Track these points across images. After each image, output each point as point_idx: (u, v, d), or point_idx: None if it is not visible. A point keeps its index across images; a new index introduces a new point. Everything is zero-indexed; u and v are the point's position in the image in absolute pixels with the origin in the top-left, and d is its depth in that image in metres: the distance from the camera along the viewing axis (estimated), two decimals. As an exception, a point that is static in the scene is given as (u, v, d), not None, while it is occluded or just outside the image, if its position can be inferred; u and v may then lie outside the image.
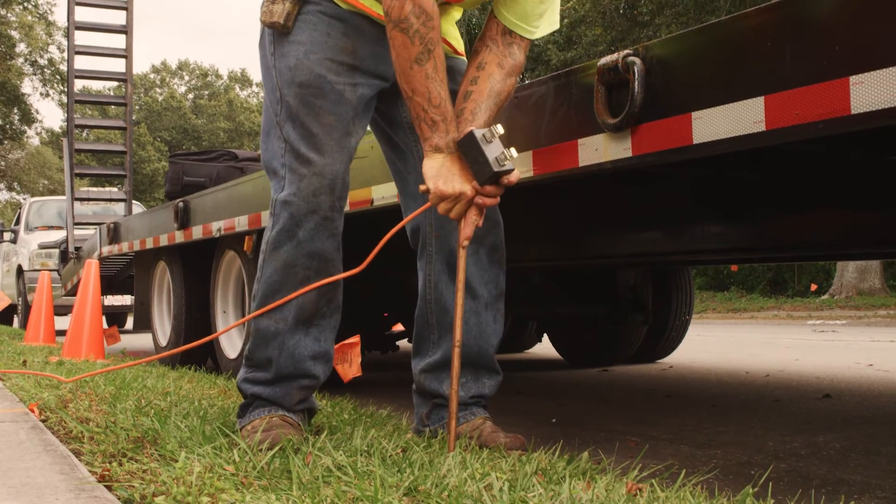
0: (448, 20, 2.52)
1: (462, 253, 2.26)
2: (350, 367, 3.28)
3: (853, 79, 1.68)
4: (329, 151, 2.27)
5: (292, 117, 2.30)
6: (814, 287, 18.79)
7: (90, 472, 2.09)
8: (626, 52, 2.16)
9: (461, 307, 2.25)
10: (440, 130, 2.19)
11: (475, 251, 2.42)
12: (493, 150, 2.15)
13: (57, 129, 50.38)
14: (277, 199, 2.32)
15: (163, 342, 6.33)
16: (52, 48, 36.92)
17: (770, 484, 1.95)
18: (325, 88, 2.27)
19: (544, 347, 7.38)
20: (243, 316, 5.12)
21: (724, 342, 8.86)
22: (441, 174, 2.19)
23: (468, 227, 2.23)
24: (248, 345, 2.44)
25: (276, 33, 2.35)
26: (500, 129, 2.17)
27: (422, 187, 2.24)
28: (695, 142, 1.99)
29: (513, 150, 2.19)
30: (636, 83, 2.11)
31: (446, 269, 2.46)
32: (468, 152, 2.17)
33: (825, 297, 18.20)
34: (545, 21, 2.37)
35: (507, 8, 2.33)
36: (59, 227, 13.22)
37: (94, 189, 13.30)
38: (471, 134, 2.16)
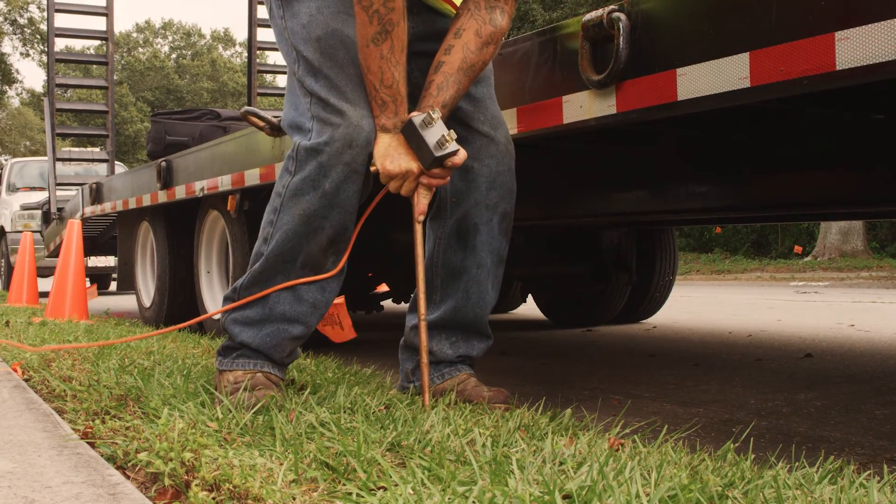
0: None
1: (418, 228, 2.29)
2: (343, 330, 3.27)
3: (839, 34, 1.67)
4: (360, 103, 2.22)
5: (314, 71, 2.24)
6: (798, 249, 18.88)
7: (73, 429, 2.09)
8: (612, 7, 2.15)
9: (422, 281, 2.29)
10: (389, 111, 2.20)
11: (489, 219, 2.42)
12: (433, 135, 2.17)
13: (38, 89, 49.90)
14: (302, 145, 2.24)
15: (146, 303, 6.32)
16: (32, 7, 36.50)
17: (751, 440, 1.96)
18: (344, 41, 2.22)
19: (529, 308, 7.40)
20: (227, 276, 5.11)
21: (708, 303, 8.91)
22: (388, 154, 2.21)
23: (420, 203, 2.26)
24: (242, 280, 2.36)
25: None
26: (437, 112, 2.18)
27: (372, 167, 2.24)
28: (679, 98, 1.98)
29: (453, 131, 2.19)
30: (621, 39, 2.10)
31: (456, 235, 2.44)
32: (410, 139, 2.20)
33: (808, 258, 18.29)
34: None
35: None
36: (42, 188, 13.13)
37: (77, 149, 13.20)
38: (410, 122, 2.19)
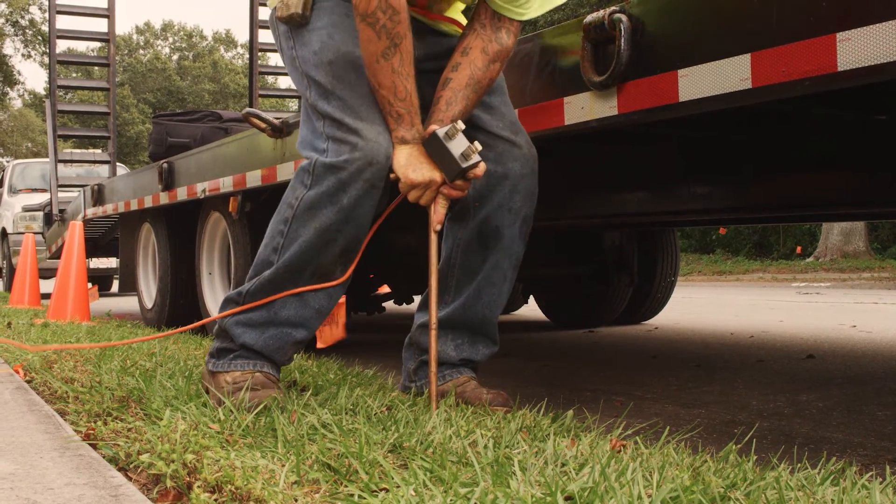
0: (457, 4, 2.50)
1: (433, 238, 2.28)
2: (336, 329, 3.26)
3: (840, 35, 1.67)
4: (375, 121, 2.22)
5: (326, 94, 2.24)
6: (799, 250, 18.87)
7: (75, 431, 2.09)
8: (613, 8, 2.15)
9: (435, 290, 2.27)
10: (405, 123, 2.20)
11: (512, 223, 2.42)
12: (457, 147, 2.17)
13: (40, 90, 49.96)
14: (320, 161, 2.22)
15: (148, 304, 6.32)
16: (34, 8, 36.54)
17: (753, 441, 1.96)
18: (356, 63, 2.23)
19: (530, 309, 7.40)
20: (229, 277, 5.11)
21: (710, 304, 8.90)
22: (410, 163, 2.20)
23: (438, 213, 2.27)
24: (249, 286, 2.35)
25: (292, 28, 2.33)
26: (461, 124, 2.18)
27: (392, 176, 2.23)
28: (681, 99, 1.98)
29: (476, 143, 2.19)
30: (622, 40, 2.10)
31: (477, 237, 2.45)
32: (434, 151, 2.19)
33: (810, 259, 18.28)
34: (536, 1, 2.30)
35: None
36: (43, 190, 13.13)
37: (78, 151, 13.21)
38: (434, 134, 2.18)
